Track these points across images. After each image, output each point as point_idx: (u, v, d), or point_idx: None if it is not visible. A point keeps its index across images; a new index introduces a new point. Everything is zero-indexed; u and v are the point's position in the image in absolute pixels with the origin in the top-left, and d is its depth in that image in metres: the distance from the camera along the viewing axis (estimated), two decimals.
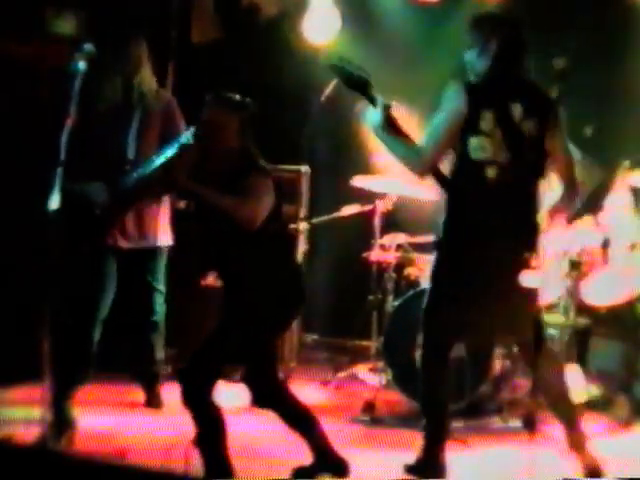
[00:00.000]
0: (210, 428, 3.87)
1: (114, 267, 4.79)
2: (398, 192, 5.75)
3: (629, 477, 4.18)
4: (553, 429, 4.63)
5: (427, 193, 5.77)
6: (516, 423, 5.02)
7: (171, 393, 5.30)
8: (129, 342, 5.50)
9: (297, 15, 6.80)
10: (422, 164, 4.06)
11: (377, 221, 5.85)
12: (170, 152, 4.60)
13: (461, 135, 3.98)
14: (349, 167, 6.35)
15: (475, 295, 4.01)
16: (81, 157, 4.18)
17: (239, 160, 3.94)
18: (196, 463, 3.87)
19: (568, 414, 4.14)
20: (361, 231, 6.09)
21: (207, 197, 3.88)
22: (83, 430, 4.55)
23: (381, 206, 5.82)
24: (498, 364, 5.26)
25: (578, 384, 5.09)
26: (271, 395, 4.03)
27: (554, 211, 4.17)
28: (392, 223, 6.07)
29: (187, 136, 4.48)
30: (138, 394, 5.36)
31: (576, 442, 4.08)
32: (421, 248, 5.89)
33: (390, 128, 4.08)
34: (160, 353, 5.23)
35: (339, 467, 4.02)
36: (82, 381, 4.69)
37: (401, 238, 5.88)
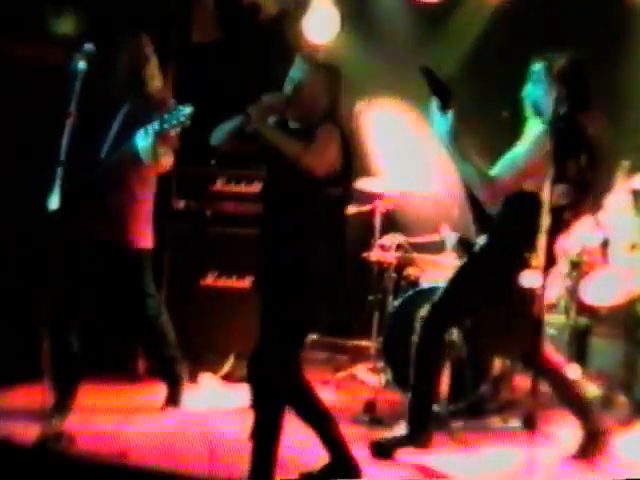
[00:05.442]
0: (271, 427, 3.82)
1: (87, 263, 4.68)
2: (399, 189, 5.74)
3: (629, 477, 4.19)
4: (553, 429, 4.65)
5: (426, 187, 5.79)
6: (516, 423, 5.02)
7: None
8: (133, 343, 5.52)
9: (297, 15, 6.80)
10: (493, 193, 4.14)
11: (377, 221, 5.85)
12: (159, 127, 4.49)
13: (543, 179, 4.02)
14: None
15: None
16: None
17: (318, 119, 3.92)
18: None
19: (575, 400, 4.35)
20: (361, 231, 6.09)
21: (274, 138, 3.83)
22: (83, 430, 4.55)
23: (381, 206, 5.83)
24: (498, 364, 5.26)
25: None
26: (296, 391, 3.97)
27: None
28: (392, 223, 6.07)
29: (181, 114, 4.38)
30: (138, 394, 5.37)
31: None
32: (421, 248, 5.90)
33: (458, 143, 4.11)
34: (170, 351, 5.11)
35: (352, 471, 3.97)
36: (74, 379, 4.68)
37: (401, 238, 5.88)
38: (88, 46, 4.27)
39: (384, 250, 5.88)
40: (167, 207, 5.99)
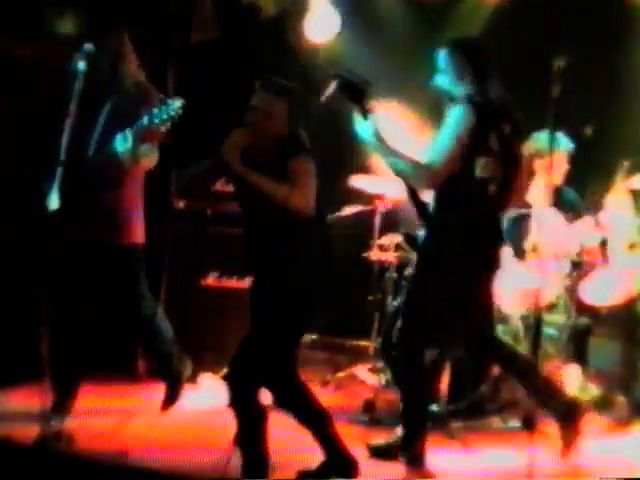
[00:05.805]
0: (252, 428, 3.85)
1: (86, 263, 4.65)
2: (395, 193, 5.74)
3: (629, 477, 4.19)
4: (553, 429, 4.64)
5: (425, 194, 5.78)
6: (516, 423, 5.02)
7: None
8: (133, 343, 5.50)
9: (297, 15, 6.80)
10: (431, 179, 4.13)
11: (377, 221, 5.85)
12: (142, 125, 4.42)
13: (469, 155, 4.06)
14: (349, 167, 6.34)
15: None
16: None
17: (287, 145, 3.89)
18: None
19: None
20: (361, 231, 6.09)
21: (255, 181, 3.81)
22: (83, 430, 4.55)
23: (381, 206, 5.83)
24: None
25: (577, 384, 5.10)
26: (291, 391, 3.98)
27: None
28: (392, 223, 6.07)
29: (170, 109, 4.31)
30: (138, 394, 5.37)
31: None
32: None
33: (384, 142, 4.12)
34: (166, 348, 5.09)
35: (349, 468, 3.97)
36: (74, 379, 4.67)
37: (401, 238, 5.88)
38: (88, 46, 4.26)
39: (384, 250, 5.88)
40: (167, 207, 5.99)
